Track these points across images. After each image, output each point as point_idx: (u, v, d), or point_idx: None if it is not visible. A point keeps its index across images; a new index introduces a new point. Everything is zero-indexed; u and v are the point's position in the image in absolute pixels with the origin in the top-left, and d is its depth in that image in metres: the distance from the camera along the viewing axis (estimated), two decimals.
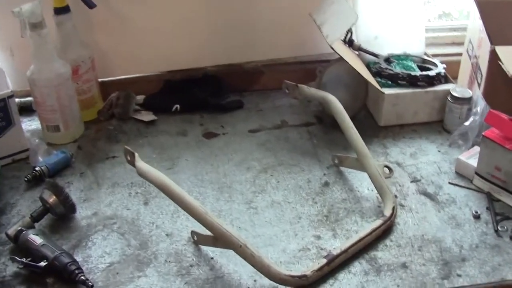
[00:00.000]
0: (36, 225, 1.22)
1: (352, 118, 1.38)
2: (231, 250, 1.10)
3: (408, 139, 1.52)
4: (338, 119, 1.37)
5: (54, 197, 1.23)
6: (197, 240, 1.20)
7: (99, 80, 1.63)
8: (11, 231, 1.17)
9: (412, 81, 1.54)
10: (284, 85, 1.48)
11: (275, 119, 1.63)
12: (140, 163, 1.15)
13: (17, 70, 1.59)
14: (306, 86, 1.44)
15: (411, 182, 1.36)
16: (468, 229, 1.22)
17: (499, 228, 1.22)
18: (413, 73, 1.54)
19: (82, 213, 1.28)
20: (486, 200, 1.30)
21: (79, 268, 1.10)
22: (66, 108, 1.46)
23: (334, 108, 1.39)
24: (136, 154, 1.14)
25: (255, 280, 1.11)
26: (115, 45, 1.65)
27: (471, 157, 1.37)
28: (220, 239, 1.10)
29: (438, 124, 1.57)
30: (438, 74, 1.55)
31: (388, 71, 1.55)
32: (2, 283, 1.11)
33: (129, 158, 1.16)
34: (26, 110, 1.60)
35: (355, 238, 1.17)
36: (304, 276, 1.09)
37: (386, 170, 1.30)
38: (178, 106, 1.63)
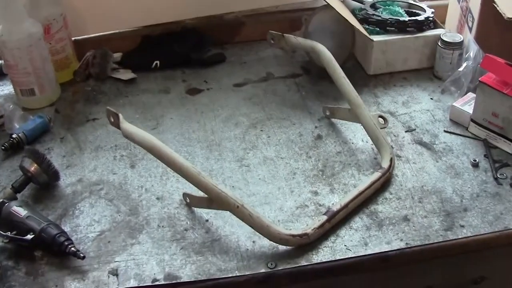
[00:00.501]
0: (19, 195, 1.15)
1: (340, 67, 1.32)
2: (227, 212, 1.05)
3: (399, 87, 1.47)
4: (328, 69, 1.32)
5: (35, 165, 1.15)
6: (190, 202, 1.15)
7: (73, 39, 1.54)
8: None
9: (401, 27, 1.48)
10: (269, 35, 1.41)
11: (260, 72, 1.56)
12: (125, 125, 1.08)
13: None
14: (292, 35, 1.38)
15: (406, 131, 1.32)
16: (468, 178, 1.19)
17: (499, 176, 1.19)
18: (401, 19, 1.48)
19: (66, 180, 1.21)
20: (483, 148, 1.26)
21: (68, 239, 1.04)
22: (40, 70, 1.37)
23: (323, 58, 1.33)
24: (120, 115, 1.08)
25: (253, 241, 1.07)
26: (87, 0, 1.54)
27: (465, 104, 1.33)
28: (215, 201, 1.05)
29: (429, 71, 1.52)
30: (427, 19, 1.50)
31: (376, 17, 1.49)
32: None
33: (112, 120, 1.10)
34: None
35: (354, 192, 1.13)
36: (305, 234, 1.05)
37: (381, 120, 1.25)
38: (157, 62, 1.55)
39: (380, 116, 1.25)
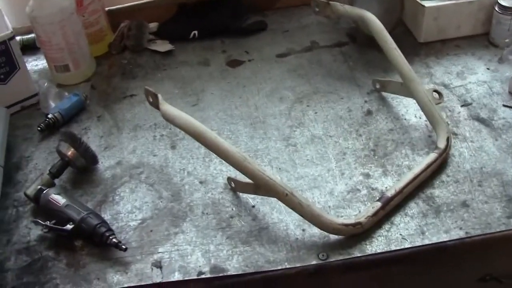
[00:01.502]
0: (56, 181, 1.11)
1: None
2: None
3: (453, 56, 1.37)
4: (379, 40, 1.23)
5: (72, 149, 1.10)
6: (235, 187, 1.09)
7: (106, 9, 1.47)
8: (30, 190, 1.07)
9: None
10: (313, 2, 1.32)
11: (304, 41, 1.47)
12: (166, 106, 1.02)
13: (14, 5, 1.43)
14: (339, 3, 1.29)
15: (462, 106, 1.23)
16: None
17: None
18: None
19: (105, 163, 1.16)
20: None
21: (109, 229, 1.00)
22: (73, 45, 1.31)
23: (373, 28, 1.23)
24: (160, 96, 1.02)
25: (303, 230, 1.01)
26: None
27: None
28: (262, 188, 0.99)
29: (484, 38, 1.41)
30: None
31: None
32: (28, 249, 1.02)
33: (151, 100, 1.04)
34: (30, 48, 1.45)
35: (409, 175, 1.06)
36: (359, 223, 0.98)
37: (436, 95, 1.17)
38: (196, 32, 1.47)
39: (435, 91, 1.17)
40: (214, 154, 1.01)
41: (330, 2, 1.29)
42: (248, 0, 1.54)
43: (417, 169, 1.07)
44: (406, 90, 1.19)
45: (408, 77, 1.18)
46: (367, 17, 1.25)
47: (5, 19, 1.28)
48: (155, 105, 1.04)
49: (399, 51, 1.20)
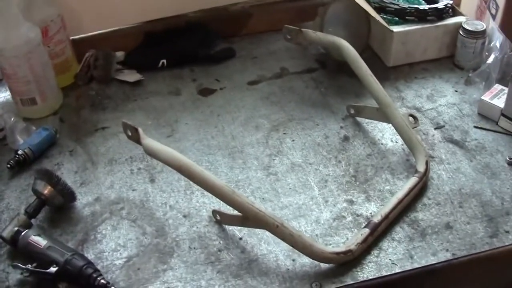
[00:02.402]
0: (33, 221, 1.06)
1: None
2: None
3: (421, 79, 1.40)
4: (353, 67, 1.24)
5: (49, 187, 1.06)
6: (221, 220, 1.07)
7: (70, 38, 1.43)
8: (7, 232, 1.01)
9: (420, 16, 1.40)
10: (285, 30, 1.31)
11: (273, 67, 1.47)
12: (147, 140, 1.00)
13: None
14: (311, 30, 1.29)
15: (435, 129, 1.26)
16: (505, 178, 1.14)
17: None
18: (421, 7, 1.40)
19: (82, 200, 1.12)
20: None
21: (96, 270, 0.96)
22: (41, 77, 1.27)
23: (347, 54, 1.25)
24: (140, 130, 0.99)
25: (293, 260, 1.00)
26: None
27: (494, 97, 1.26)
28: (252, 220, 0.98)
29: (448, 60, 1.45)
30: (446, 6, 1.42)
31: (394, 6, 1.41)
32: None
33: (130, 134, 1.01)
34: None
35: (393, 200, 1.07)
36: (349, 251, 0.98)
37: (411, 119, 1.19)
38: (164, 61, 1.45)
39: (411, 115, 1.19)
40: (196, 186, 0.99)
41: (302, 29, 1.29)
42: (215, 27, 1.53)
43: (400, 194, 1.08)
44: (382, 115, 1.21)
45: (384, 102, 1.20)
46: (341, 44, 1.26)
47: None
48: (135, 139, 1.01)
49: (373, 77, 1.21)
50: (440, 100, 1.34)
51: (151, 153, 1.00)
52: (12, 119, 1.25)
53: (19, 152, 1.18)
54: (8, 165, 1.17)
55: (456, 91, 1.36)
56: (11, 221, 1.03)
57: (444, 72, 1.42)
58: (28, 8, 1.28)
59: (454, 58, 1.44)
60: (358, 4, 1.32)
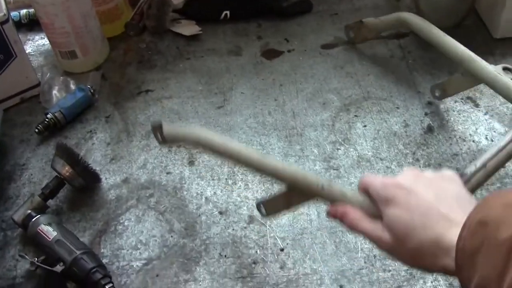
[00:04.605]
0: (51, 200, 0.93)
1: (456, 26, 1.06)
2: (307, 239, 0.83)
3: None
4: (425, 36, 1.05)
5: (67, 167, 0.92)
6: (267, 209, 0.84)
7: None
8: (18, 216, 0.89)
9: None
10: (346, 30, 1.19)
11: None
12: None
13: None
14: (372, 18, 1.11)
15: None
16: None
17: None
18: None
19: (109, 180, 0.98)
20: None
21: (106, 276, 0.82)
22: (81, 29, 1.11)
23: (414, 24, 1.07)
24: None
25: (341, 286, 0.82)
26: None
27: None
28: (292, 185, 0.74)
29: None
30: None
31: None
32: (13, 286, 0.85)
33: (161, 140, 0.79)
34: (38, 23, 1.20)
35: None
36: None
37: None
38: (227, 12, 1.25)
39: (505, 68, 0.93)
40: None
41: (363, 20, 1.12)
42: None
43: None
44: (470, 77, 0.97)
45: (468, 58, 0.96)
46: (404, 17, 1.09)
47: None
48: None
49: (448, 36, 1.01)
50: None
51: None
52: (48, 75, 1.11)
53: (49, 116, 1.05)
54: (36, 130, 1.04)
55: None
56: (24, 202, 0.91)
57: None
58: None
59: None
60: None
